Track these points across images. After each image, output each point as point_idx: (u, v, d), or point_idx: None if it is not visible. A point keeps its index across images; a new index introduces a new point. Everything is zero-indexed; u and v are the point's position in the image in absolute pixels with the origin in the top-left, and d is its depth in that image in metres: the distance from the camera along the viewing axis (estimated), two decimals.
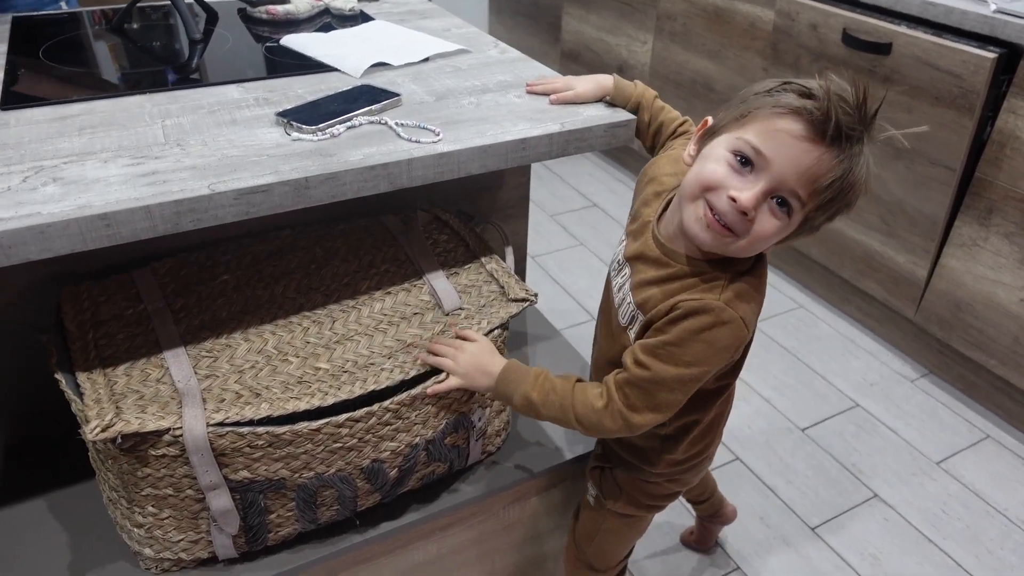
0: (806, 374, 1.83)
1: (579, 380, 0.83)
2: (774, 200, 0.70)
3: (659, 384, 0.76)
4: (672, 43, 2.31)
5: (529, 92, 0.99)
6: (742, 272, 0.76)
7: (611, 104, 0.98)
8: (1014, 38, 1.45)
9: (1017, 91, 1.48)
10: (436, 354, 0.86)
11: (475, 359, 0.84)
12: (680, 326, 0.74)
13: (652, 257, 0.80)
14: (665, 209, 0.82)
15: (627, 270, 0.83)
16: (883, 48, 1.65)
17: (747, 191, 0.69)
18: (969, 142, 1.56)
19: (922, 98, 1.62)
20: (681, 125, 0.95)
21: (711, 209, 0.71)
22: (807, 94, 0.68)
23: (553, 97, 0.97)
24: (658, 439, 0.89)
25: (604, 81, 0.98)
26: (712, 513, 1.32)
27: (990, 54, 1.48)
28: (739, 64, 2.09)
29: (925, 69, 1.59)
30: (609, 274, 0.89)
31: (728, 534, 1.42)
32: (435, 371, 0.87)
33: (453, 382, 0.85)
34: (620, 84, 0.97)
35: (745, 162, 0.70)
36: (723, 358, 0.76)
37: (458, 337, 0.88)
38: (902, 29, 1.62)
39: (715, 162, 0.72)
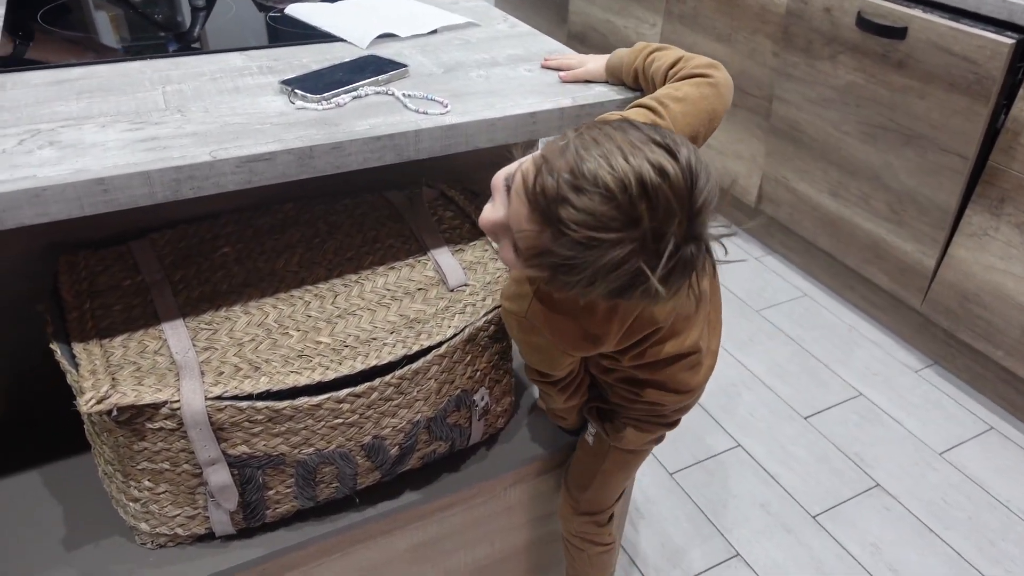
0: (810, 362, 1.82)
1: None
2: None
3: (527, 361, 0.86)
4: (681, 26, 2.27)
5: (544, 67, 0.97)
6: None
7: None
8: None
9: None
10: None
11: None
12: (506, 325, 0.81)
13: None
14: None
15: None
16: (898, 32, 1.62)
17: (489, 217, 0.67)
18: (983, 130, 1.54)
19: (936, 84, 1.59)
20: (671, 68, 0.83)
21: None
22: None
23: (563, 74, 0.94)
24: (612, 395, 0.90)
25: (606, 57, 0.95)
26: None
27: (1008, 40, 1.45)
28: (749, 48, 2.06)
29: (940, 54, 1.56)
30: None
31: (729, 521, 1.41)
32: (435, 346, 0.85)
33: None
34: (612, 66, 0.91)
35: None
36: (554, 356, 0.80)
37: None
38: (918, 13, 1.59)
39: (509, 167, 0.68)
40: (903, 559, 1.36)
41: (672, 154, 0.56)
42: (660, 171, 0.55)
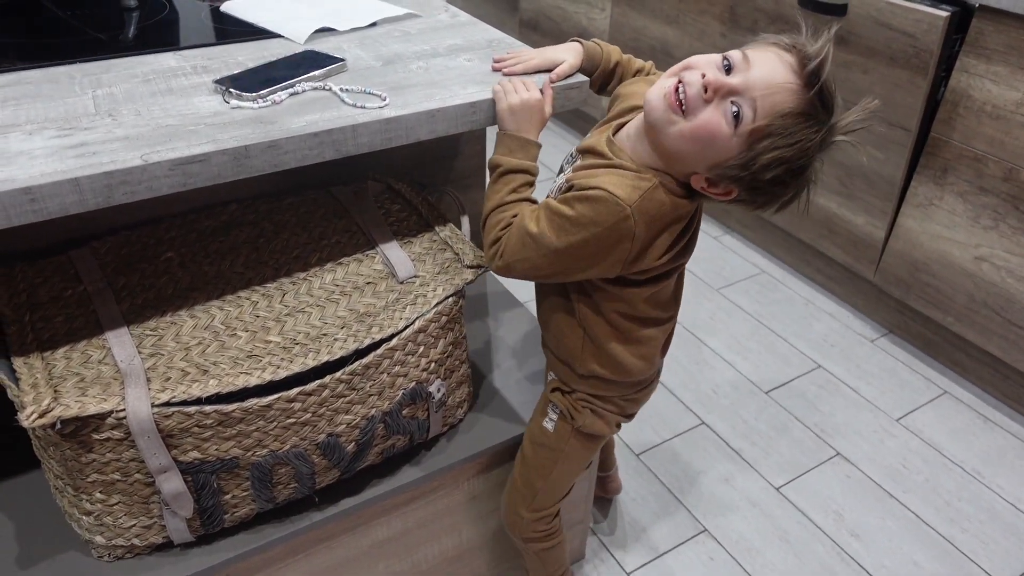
0: (769, 337, 1.85)
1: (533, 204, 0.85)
2: (732, 106, 0.71)
3: (538, 245, 0.79)
4: (630, 9, 2.28)
5: (508, 73, 0.92)
6: (669, 189, 0.77)
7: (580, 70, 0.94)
8: None
9: (969, 50, 1.48)
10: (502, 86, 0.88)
11: (523, 108, 0.86)
12: (585, 205, 0.76)
13: (598, 150, 0.82)
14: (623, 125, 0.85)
15: (578, 161, 0.86)
16: (839, 9, 1.65)
17: (719, 77, 0.72)
18: (924, 102, 1.57)
19: (878, 59, 1.62)
20: (651, 69, 0.97)
21: (680, 82, 0.74)
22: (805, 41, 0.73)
23: (553, 74, 0.91)
24: (583, 344, 0.89)
25: (578, 48, 0.95)
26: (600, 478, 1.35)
27: (943, 12, 1.48)
28: (698, 29, 2.07)
29: (880, 29, 1.59)
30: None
31: (695, 498, 1.43)
32: (387, 339, 0.85)
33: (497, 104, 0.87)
34: (590, 50, 0.94)
35: (729, 68, 0.72)
36: (603, 257, 0.78)
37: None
38: None
39: (706, 56, 0.75)
40: (864, 524, 1.39)
41: None
42: None
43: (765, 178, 0.72)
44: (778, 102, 0.70)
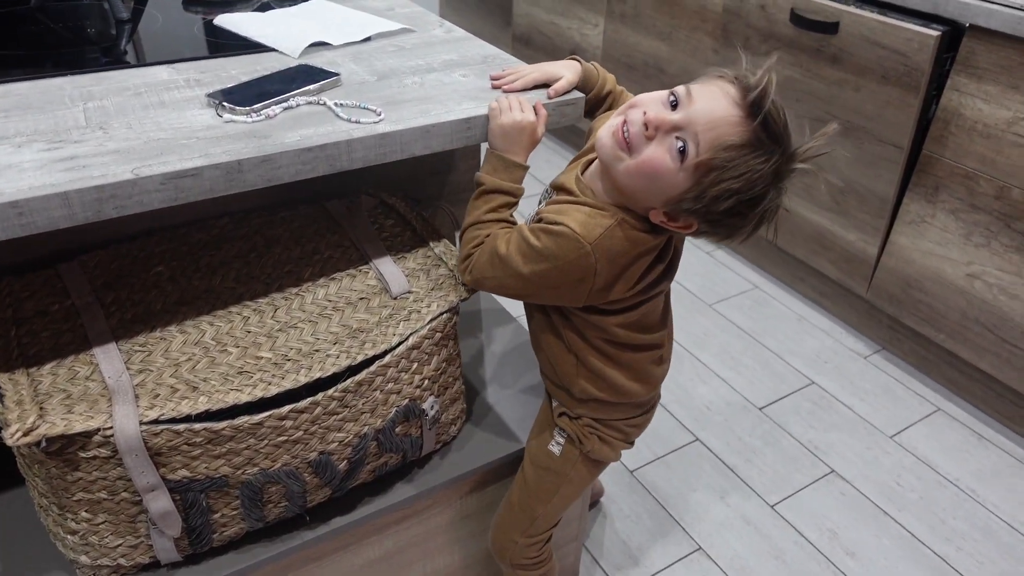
0: (763, 354, 1.84)
1: (509, 227, 0.86)
2: (677, 141, 0.72)
3: (505, 267, 0.81)
4: (623, 25, 2.30)
5: (507, 90, 0.92)
6: (631, 225, 0.78)
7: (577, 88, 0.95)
8: (956, 16, 1.47)
9: (960, 68, 1.50)
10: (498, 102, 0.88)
11: (515, 129, 0.85)
12: (549, 239, 0.78)
13: (568, 188, 0.84)
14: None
15: (552, 197, 0.87)
16: (830, 27, 1.66)
17: (660, 114, 0.73)
18: (915, 120, 1.58)
19: (869, 77, 1.63)
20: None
21: (624, 121, 0.75)
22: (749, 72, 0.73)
23: (551, 90, 0.92)
24: (577, 369, 0.90)
25: (576, 66, 0.95)
26: None
27: (934, 32, 1.49)
28: (690, 46, 2.09)
29: (872, 48, 1.61)
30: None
31: (689, 515, 1.42)
32: (380, 356, 0.84)
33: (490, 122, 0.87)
34: (587, 70, 0.95)
35: (675, 104, 0.74)
36: (567, 289, 0.80)
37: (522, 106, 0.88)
38: (849, 8, 1.63)
39: (652, 94, 0.77)
40: (859, 542, 1.39)
41: None
42: None
43: (719, 210, 0.73)
44: (720, 135, 0.70)
